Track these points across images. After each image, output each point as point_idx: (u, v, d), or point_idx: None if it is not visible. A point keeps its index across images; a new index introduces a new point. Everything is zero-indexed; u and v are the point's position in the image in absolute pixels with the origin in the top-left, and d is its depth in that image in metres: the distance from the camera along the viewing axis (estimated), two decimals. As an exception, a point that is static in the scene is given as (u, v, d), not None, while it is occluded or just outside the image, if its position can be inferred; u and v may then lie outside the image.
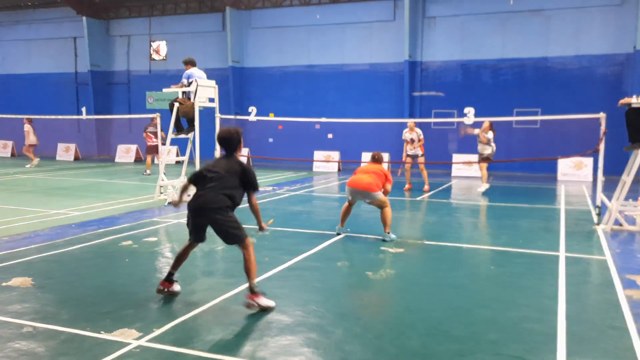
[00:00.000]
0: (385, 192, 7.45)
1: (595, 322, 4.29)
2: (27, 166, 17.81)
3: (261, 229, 4.89)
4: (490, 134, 12.29)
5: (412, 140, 12.93)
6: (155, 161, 15.54)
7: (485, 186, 12.38)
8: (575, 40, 17.20)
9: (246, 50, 21.59)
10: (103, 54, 23.89)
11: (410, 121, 13.08)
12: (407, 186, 13.20)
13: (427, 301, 4.79)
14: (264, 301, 4.41)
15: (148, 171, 16.04)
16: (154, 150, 15.77)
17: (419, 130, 12.95)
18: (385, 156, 18.42)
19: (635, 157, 7.91)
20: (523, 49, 17.74)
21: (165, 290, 4.73)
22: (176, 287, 4.79)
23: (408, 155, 13.06)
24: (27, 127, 17.99)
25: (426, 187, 12.97)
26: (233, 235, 4.47)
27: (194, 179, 4.58)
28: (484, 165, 12.40)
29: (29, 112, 21.33)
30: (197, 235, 4.62)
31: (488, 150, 12.33)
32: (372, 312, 4.56)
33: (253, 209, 4.71)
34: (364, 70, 19.93)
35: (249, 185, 4.56)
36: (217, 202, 4.37)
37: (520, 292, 5.05)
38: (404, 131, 13.10)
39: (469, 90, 18.44)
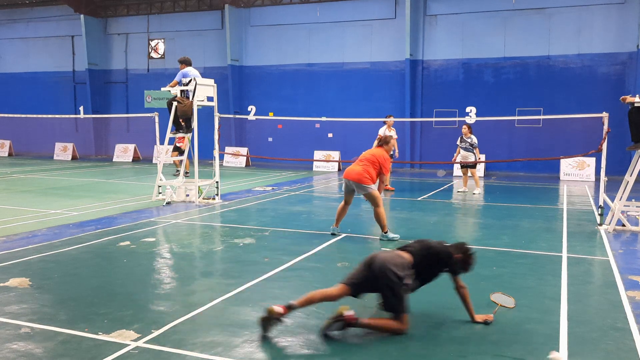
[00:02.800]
0: (382, 182, 7.27)
1: (597, 323, 4.26)
2: None
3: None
4: (474, 139, 12.31)
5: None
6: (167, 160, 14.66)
7: (465, 189, 12.50)
8: (578, 39, 17.16)
9: (245, 48, 21.54)
10: (101, 53, 23.83)
11: (390, 120, 12.90)
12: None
13: (428, 302, 4.75)
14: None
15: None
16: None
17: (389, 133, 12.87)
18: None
19: (638, 156, 7.87)
20: (525, 47, 17.71)
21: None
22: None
23: None
24: None
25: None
26: None
27: None
28: (474, 171, 12.45)
29: (26, 111, 21.28)
30: None
31: (472, 157, 12.33)
32: (372, 314, 4.51)
33: None
34: (365, 69, 19.89)
35: None
36: None
37: (521, 292, 5.00)
38: (383, 127, 12.85)
39: (471, 90, 18.41)
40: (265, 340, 3.84)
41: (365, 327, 3.94)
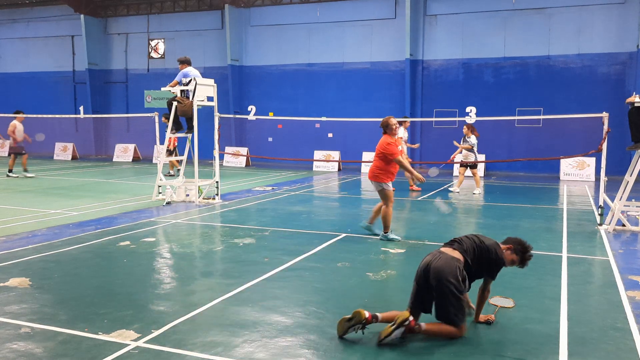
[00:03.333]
0: (405, 170, 7.18)
1: (597, 323, 4.26)
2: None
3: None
4: (473, 139, 12.34)
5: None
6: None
7: (457, 190, 12.55)
8: (578, 39, 17.17)
9: (245, 48, 21.54)
10: (101, 53, 23.83)
11: (406, 121, 12.98)
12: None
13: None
14: None
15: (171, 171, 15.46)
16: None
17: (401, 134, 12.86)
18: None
19: (638, 156, 7.87)
20: (525, 47, 17.70)
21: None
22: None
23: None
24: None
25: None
26: None
27: None
28: (475, 171, 12.51)
29: (26, 111, 21.25)
30: None
31: (472, 157, 12.38)
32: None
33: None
34: (365, 69, 19.89)
35: None
36: None
37: (521, 292, 5.01)
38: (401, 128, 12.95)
39: (471, 89, 18.41)
40: (261, 340, 3.84)
41: (425, 333, 3.86)
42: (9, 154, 15.18)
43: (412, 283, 4.09)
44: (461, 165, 12.75)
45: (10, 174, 14.70)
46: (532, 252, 4.21)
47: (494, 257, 4.06)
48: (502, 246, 4.19)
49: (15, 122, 14.71)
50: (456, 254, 4.00)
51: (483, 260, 4.05)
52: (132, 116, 20.23)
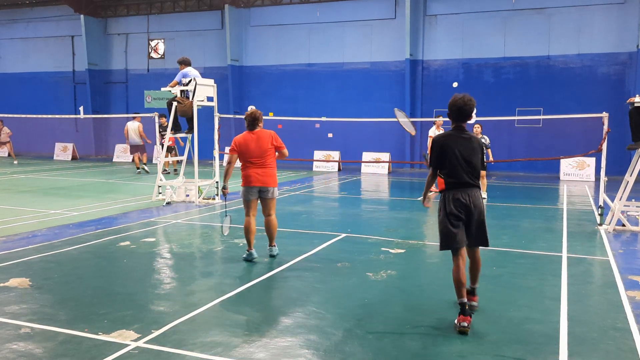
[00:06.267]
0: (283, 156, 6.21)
1: (597, 323, 4.26)
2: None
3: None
4: (487, 139, 12.20)
5: None
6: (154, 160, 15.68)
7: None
8: (578, 39, 17.16)
9: (245, 48, 21.54)
10: (101, 53, 23.82)
11: (439, 120, 12.80)
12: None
13: (428, 302, 4.75)
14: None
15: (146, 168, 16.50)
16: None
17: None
18: (386, 156, 18.41)
19: (638, 156, 7.87)
20: (525, 47, 17.70)
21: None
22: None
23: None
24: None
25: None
26: None
27: None
28: (484, 173, 12.19)
29: (26, 111, 21.28)
30: None
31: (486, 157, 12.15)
32: (372, 313, 4.51)
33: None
34: (365, 69, 19.88)
35: None
36: None
37: (521, 292, 5.01)
38: (433, 128, 12.77)
39: (471, 90, 18.20)
40: (266, 340, 3.84)
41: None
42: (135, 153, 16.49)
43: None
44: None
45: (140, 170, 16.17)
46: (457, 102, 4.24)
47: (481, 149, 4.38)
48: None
49: (139, 123, 16.26)
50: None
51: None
52: (132, 116, 20.19)
